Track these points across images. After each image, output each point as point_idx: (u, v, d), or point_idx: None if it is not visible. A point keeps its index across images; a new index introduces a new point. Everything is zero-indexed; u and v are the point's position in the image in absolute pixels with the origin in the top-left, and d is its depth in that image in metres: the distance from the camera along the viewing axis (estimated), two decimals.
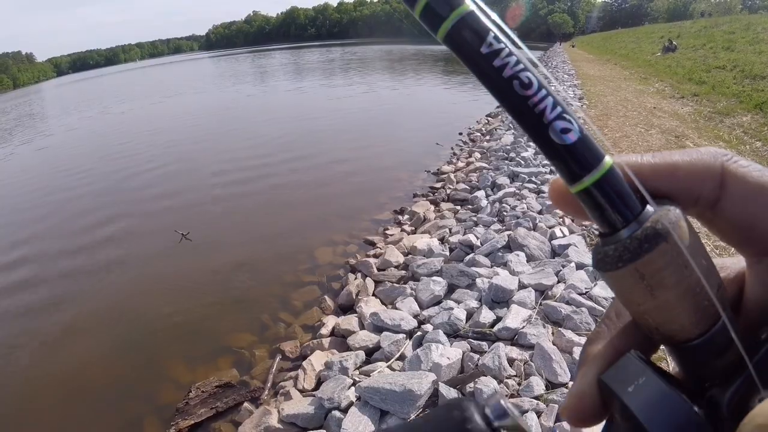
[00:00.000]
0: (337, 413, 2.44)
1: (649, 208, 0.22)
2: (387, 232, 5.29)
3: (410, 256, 4.31)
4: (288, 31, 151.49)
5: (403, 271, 4.08)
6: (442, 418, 0.22)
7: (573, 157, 0.22)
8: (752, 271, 0.25)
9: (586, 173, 0.22)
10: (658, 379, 0.22)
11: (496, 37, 0.21)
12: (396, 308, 3.36)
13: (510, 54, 0.21)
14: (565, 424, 2.04)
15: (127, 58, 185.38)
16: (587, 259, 3.41)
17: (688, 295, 0.22)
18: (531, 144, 6.80)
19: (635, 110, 9.59)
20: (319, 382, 2.85)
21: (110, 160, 10.33)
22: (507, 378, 2.41)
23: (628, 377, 0.23)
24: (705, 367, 0.23)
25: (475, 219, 4.79)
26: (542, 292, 3.15)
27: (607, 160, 0.22)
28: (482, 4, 0.22)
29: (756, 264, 0.24)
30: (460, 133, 9.74)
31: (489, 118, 11.16)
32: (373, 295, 3.83)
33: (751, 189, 0.22)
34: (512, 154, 6.61)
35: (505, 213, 4.61)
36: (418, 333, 2.98)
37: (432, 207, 5.72)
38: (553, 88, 0.22)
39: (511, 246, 3.86)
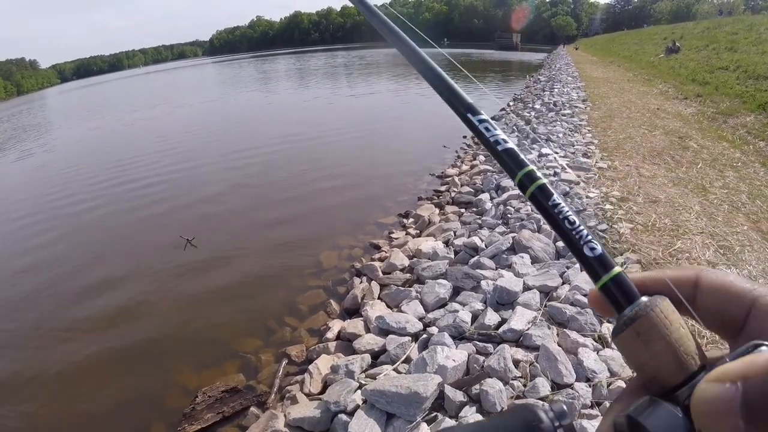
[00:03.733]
0: (343, 416, 2.45)
1: (644, 298, 0.33)
2: (392, 235, 5.30)
3: (415, 259, 4.32)
4: (292, 35, 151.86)
5: (408, 274, 4.09)
6: (512, 418, 0.32)
7: (596, 264, 0.35)
8: (731, 350, 0.31)
9: (604, 274, 0.35)
10: (665, 403, 0.29)
11: (557, 197, 0.38)
12: (401, 311, 3.37)
13: (564, 206, 0.37)
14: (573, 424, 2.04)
15: (130, 63, 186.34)
16: None
17: (670, 348, 0.31)
18: (534, 146, 6.83)
19: (639, 111, 9.58)
20: (325, 386, 2.86)
21: (115, 167, 10.38)
22: (512, 379, 2.42)
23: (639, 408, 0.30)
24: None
25: (479, 221, 4.80)
26: (547, 293, 3.15)
27: (617, 268, 0.35)
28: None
29: (733, 344, 0.32)
30: (464, 136, 9.75)
31: (493, 121, 11.16)
32: (379, 298, 3.84)
33: (715, 286, 0.33)
34: None
35: (509, 215, 4.62)
36: (424, 335, 2.99)
37: (436, 210, 5.73)
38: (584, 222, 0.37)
39: (515, 248, 3.86)
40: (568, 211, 0.37)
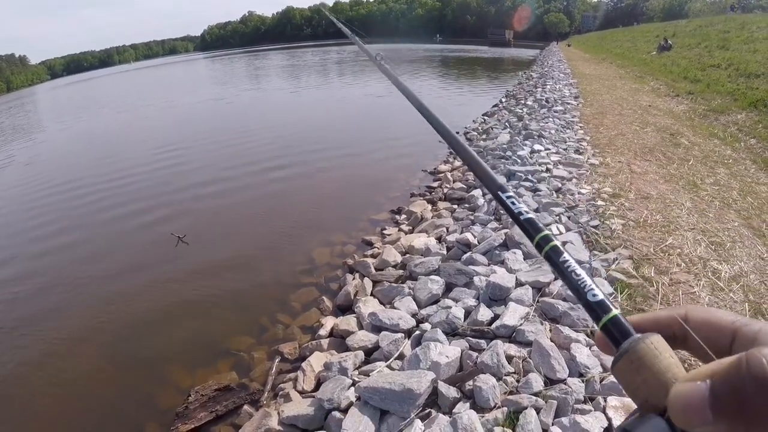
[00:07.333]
0: (337, 414, 2.44)
1: (638, 334, 0.38)
2: (384, 231, 5.29)
3: (408, 255, 4.32)
4: (284, 31, 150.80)
5: (401, 271, 4.08)
6: None
7: (597, 308, 0.40)
8: None
9: (604, 315, 0.40)
10: (654, 416, 0.33)
11: (566, 255, 0.45)
12: (394, 308, 3.36)
13: (571, 261, 0.44)
14: (564, 421, 2.05)
15: (121, 59, 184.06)
16: (584, 255, 3.42)
17: (660, 373, 0.34)
18: (527, 143, 6.84)
19: (630, 108, 9.63)
20: (318, 383, 2.85)
21: (105, 167, 10.31)
22: (506, 375, 2.42)
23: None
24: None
25: (472, 217, 4.80)
26: (539, 289, 3.16)
27: (615, 311, 0.39)
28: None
29: None
30: (457, 132, 9.73)
31: (485, 117, 11.17)
32: (372, 295, 3.83)
33: (702, 321, 0.37)
34: (508, 153, 6.63)
35: (501, 211, 4.62)
36: (417, 332, 2.98)
37: (429, 206, 5.73)
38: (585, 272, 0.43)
39: (508, 244, 3.87)
40: (574, 265, 0.44)
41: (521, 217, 0.50)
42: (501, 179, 0.56)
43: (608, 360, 2.40)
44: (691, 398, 0.29)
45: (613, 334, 0.39)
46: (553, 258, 0.46)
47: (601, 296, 0.41)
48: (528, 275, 3.28)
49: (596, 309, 0.40)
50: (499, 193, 0.55)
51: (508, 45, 61.11)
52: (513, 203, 0.52)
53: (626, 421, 0.34)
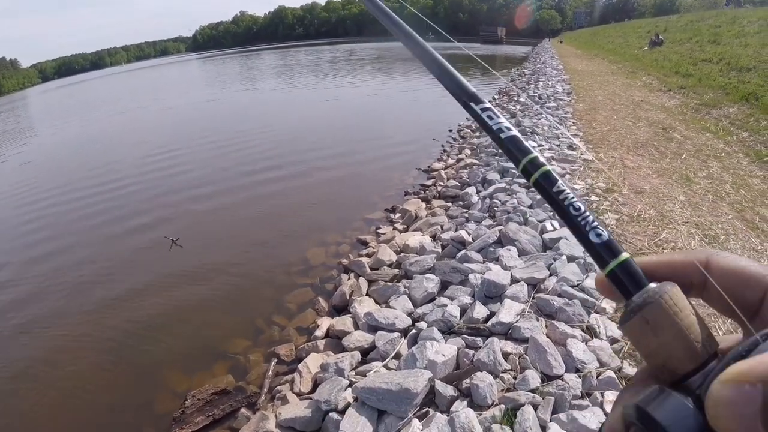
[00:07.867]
0: (334, 415, 2.43)
1: (652, 284, 0.33)
2: (379, 231, 5.29)
3: (403, 254, 4.31)
4: (276, 30, 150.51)
5: (396, 270, 4.08)
6: None
7: (603, 251, 0.35)
8: (744, 336, 0.31)
9: (611, 260, 0.34)
10: (675, 393, 0.28)
11: (561, 183, 0.37)
12: (390, 307, 3.35)
13: (569, 192, 0.37)
14: (562, 416, 2.05)
15: (113, 61, 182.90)
16: (578, 251, 3.43)
17: (681, 335, 0.30)
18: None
19: (623, 104, 9.66)
20: (315, 385, 2.84)
21: (97, 170, 10.24)
22: (502, 372, 2.42)
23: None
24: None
25: (466, 215, 4.80)
26: (534, 285, 3.16)
27: (624, 254, 0.34)
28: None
29: (746, 329, 0.30)
30: (450, 130, 9.75)
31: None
32: (367, 294, 3.82)
33: (727, 270, 0.32)
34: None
35: (495, 208, 4.62)
36: (413, 331, 2.98)
37: (423, 204, 5.72)
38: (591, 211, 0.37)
39: (502, 241, 3.87)
40: (573, 197, 0.36)
41: (502, 135, 0.41)
42: (473, 87, 0.45)
43: (607, 357, 2.41)
44: (739, 407, 0.23)
45: (622, 283, 0.33)
46: (545, 187, 0.38)
47: (606, 236, 0.35)
48: (523, 272, 3.28)
49: (601, 252, 0.34)
50: (472, 104, 0.44)
51: (500, 42, 61.22)
52: (490, 117, 0.42)
53: (641, 397, 0.29)
